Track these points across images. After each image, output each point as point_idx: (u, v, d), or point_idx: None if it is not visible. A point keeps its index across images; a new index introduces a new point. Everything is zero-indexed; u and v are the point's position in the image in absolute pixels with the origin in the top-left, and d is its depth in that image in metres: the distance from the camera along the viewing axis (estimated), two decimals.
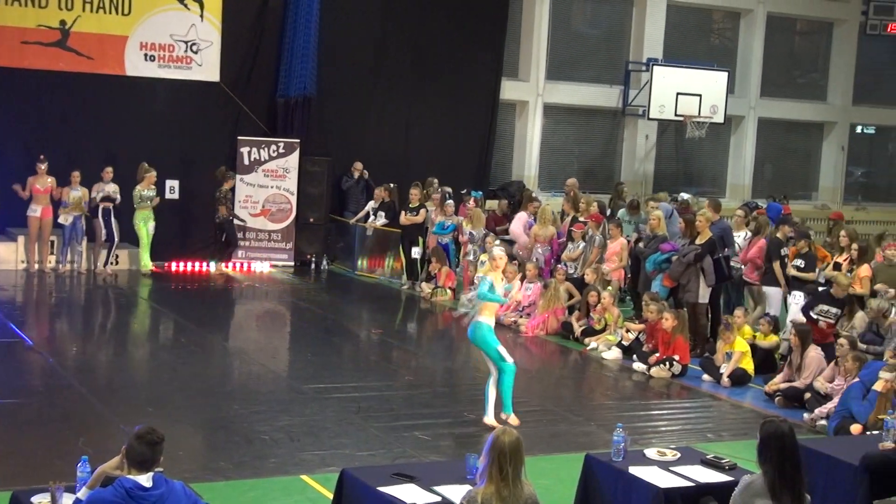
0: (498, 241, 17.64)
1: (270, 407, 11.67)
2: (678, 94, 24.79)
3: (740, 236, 16.52)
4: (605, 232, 17.66)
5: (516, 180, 24.54)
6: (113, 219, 19.57)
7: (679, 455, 8.34)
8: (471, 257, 18.76)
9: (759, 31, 27.47)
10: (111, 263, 19.79)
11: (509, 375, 11.12)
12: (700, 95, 24.97)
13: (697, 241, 15.28)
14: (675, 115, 25.01)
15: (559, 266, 17.40)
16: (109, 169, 19.56)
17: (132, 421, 9.76)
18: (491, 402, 11.10)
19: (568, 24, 26.09)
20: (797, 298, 15.12)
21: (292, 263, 21.64)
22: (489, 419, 11.03)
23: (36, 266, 19.47)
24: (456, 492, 7.04)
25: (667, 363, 14.04)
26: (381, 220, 20.79)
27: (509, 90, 24.91)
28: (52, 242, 19.72)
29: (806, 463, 6.71)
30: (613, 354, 15.05)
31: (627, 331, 15.31)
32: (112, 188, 19.57)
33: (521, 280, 17.24)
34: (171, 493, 5.96)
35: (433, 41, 23.40)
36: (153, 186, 19.88)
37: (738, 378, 13.68)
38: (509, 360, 11.12)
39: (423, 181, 20.81)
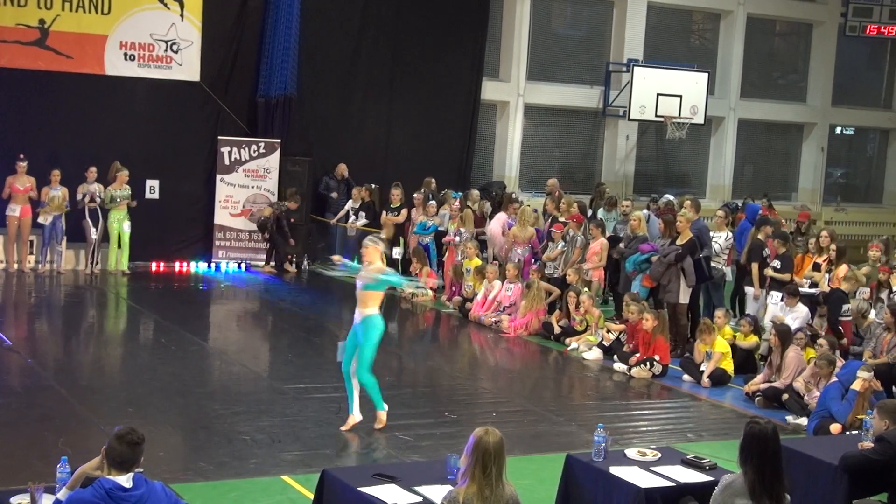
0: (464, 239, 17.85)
1: (251, 407, 11.65)
2: (658, 94, 24.83)
3: (721, 237, 16.56)
4: (586, 232, 17.68)
5: (497, 181, 24.57)
6: (101, 218, 19.54)
7: (659, 455, 8.36)
8: (458, 258, 18.79)
9: (739, 33, 27.56)
10: (95, 263, 19.77)
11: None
12: (680, 96, 25.01)
13: (678, 242, 15.32)
14: (656, 115, 25.05)
15: (534, 265, 17.45)
16: (93, 168, 19.54)
17: (112, 421, 9.76)
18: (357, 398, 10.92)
19: (548, 24, 26.12)
20: (775, 299, 15.18)
21: (273, 263, 21.59)
22: (356, 416, 10.90)
23: (15, 266, 19.39)
24: (437, 492, 7.03)
25: (647, 363, 14.07)
26: (361, 220, 20.78)
27: (490, 90, 24.92)
28: (32, 242, 19.65)
29: (786, 463, 6.74)
30: (594, 355, 15.07)
31: (608, 331, 15.34)
32: (96, 188, 19.54)
33: (502, 281, 17.27)
34: (151, 494, 5.94)
35: (413, 41, 23.40)
36: (126, 186, 19.82)
37: (718, 378, 13.71)
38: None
39: (404, 181, 20.80)
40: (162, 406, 11.61)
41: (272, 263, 21.22)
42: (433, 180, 21.26)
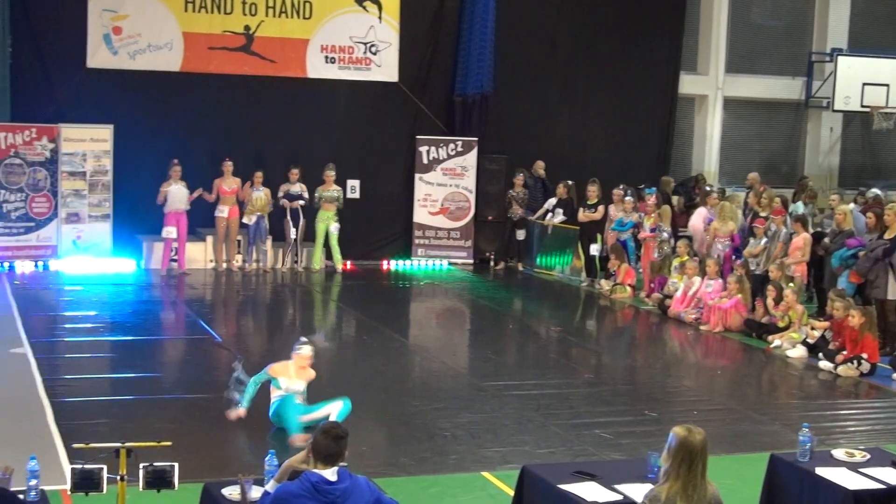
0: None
1: (451, 404, 11.76)
2: (864, 84, 24.11)
3: None
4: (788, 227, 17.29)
5: (695, 175, 24.20)
6: (302, 218, 20.04)
7: (868, 456, 8.10)
8: (655, 254, 18.60)
9: None
10: (296, 261, 20.31)
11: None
12: (888, 85, 24.21)
13: (887, 236, 14.84)
14: (861, 106, 24.32)
15: (738, 261, 17.14)
16: (296, 170, 20.03)
17: None
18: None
19: (748, 14, 25.60)
20: None
21: (471, 261, 21.77)
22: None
23: (223, 265, 20.02)
24: (637, 490, 6.98)
25: (854, 361, 13.65)
26: (558, 217, 20.73)
27: (688, 84, 24.57)
28: (239, 242, 20.27)
29: None
30: (798, 353, 14.70)
31: (812, 328, 14.95)
32: (297, 188, 20.04)
33: (702, 277, 17.01)
34: (355, 488, 6.03)
35: (609, 36, 23.23)
36: (335, 187, 20.28)
37: None
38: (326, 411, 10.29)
39: (601, 177, 20.65)
40: (364, 402, 11.80)
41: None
42: (671, 180, 21.19)
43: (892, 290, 14.83)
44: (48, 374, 12.14)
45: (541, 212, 21.21)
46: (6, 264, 18.99)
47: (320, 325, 17.15)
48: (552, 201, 20.95)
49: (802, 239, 16.64)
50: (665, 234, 18.90)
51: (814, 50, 25.58)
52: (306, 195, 20.07)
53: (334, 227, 20.26)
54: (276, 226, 20.24)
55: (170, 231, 19.31)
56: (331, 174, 20.21)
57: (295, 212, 20.05)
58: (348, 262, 20.67)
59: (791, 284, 15.90)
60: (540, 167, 22.12)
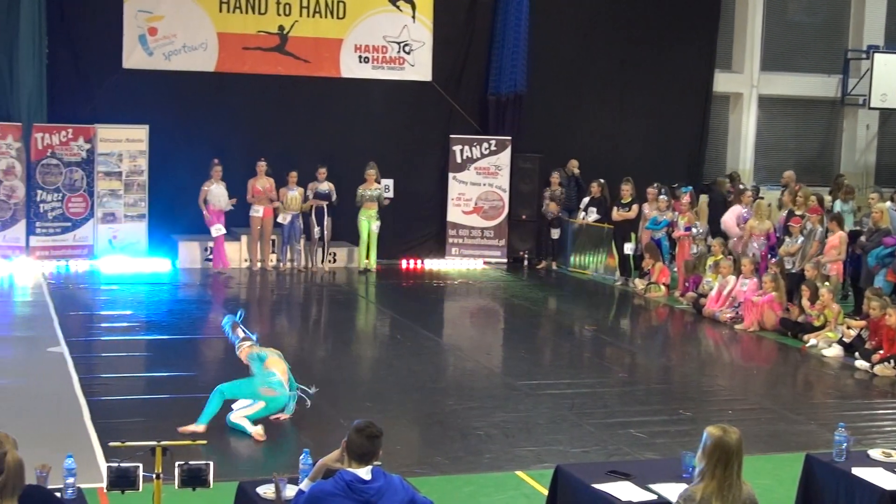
0: None
1: (485, 403, 11.76)
2: None
3: None
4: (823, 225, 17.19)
5: (730, 174, 24.10)
6: (326, 217, 20.07)
7: None
8: (694, 250, 18.54)
9: None
10: (328, 261, 20.36)
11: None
12: None
13: None
14: None
15: (773, 259, 17.05)
16: (323, 169, 20.07)
17: (351, 415, 9.98)
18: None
19: (783, 12, 25.47)
20: None
21: (505, 260, 21.77)
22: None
23: (258, 264, 20.10)
24: (672, 490, 6.95)
25: (891, 361, 13.56)
26: (592, 215, 20.68)
27: (722, 82, 24.47)
28: (273, 241, 20.34)
29: None
30: (834, 352, 14.62)
31: (848, 327, 14.85)
32: (325, 187, 20.08)
33: (736, 276, 16.93)
34: (389, 487, 6.03)
35: (643, 34, 23.15)
36: (376, 185, 20.31)
37: None
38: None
39: (635, 176, 20.59)
40: (398, 401, 11.84)
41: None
42: (727, 181, 21.19)
43: None
44: (84, 373, 12.23)
45: (581, 213, 21.15)
46: (44, 264, 19.14)
47: (353, 324, 17.17)
48: (586, 200, 20.89)
49: (838, 237, 16.54)
50: (694, 231, 18.81)
51: (850, 47, 25.43)
52: (335, 194, 20.10)
53: (375, 226, 20.32)
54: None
55: (219, 228, 19.42)
56: (372, 173, 20.23)
57: (319, 210, 20.09)
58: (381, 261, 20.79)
59: (827, 283, 15.81)
60: (574, 166, 22.08)
